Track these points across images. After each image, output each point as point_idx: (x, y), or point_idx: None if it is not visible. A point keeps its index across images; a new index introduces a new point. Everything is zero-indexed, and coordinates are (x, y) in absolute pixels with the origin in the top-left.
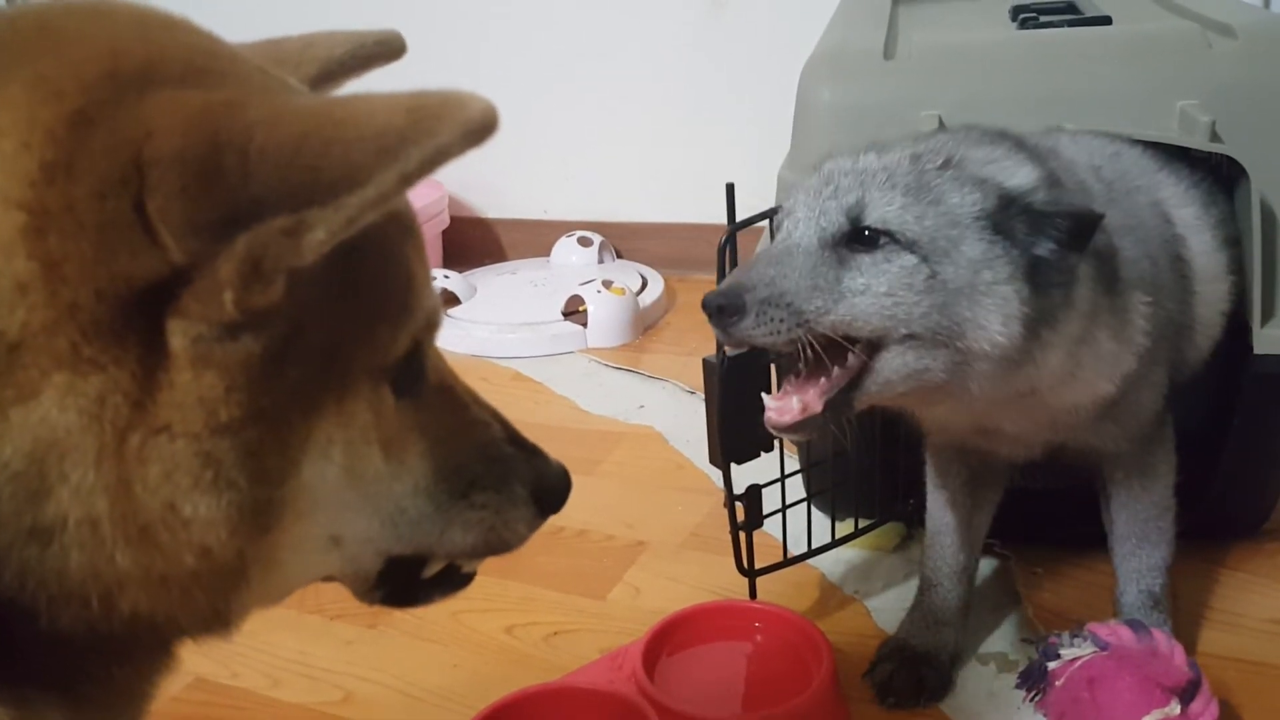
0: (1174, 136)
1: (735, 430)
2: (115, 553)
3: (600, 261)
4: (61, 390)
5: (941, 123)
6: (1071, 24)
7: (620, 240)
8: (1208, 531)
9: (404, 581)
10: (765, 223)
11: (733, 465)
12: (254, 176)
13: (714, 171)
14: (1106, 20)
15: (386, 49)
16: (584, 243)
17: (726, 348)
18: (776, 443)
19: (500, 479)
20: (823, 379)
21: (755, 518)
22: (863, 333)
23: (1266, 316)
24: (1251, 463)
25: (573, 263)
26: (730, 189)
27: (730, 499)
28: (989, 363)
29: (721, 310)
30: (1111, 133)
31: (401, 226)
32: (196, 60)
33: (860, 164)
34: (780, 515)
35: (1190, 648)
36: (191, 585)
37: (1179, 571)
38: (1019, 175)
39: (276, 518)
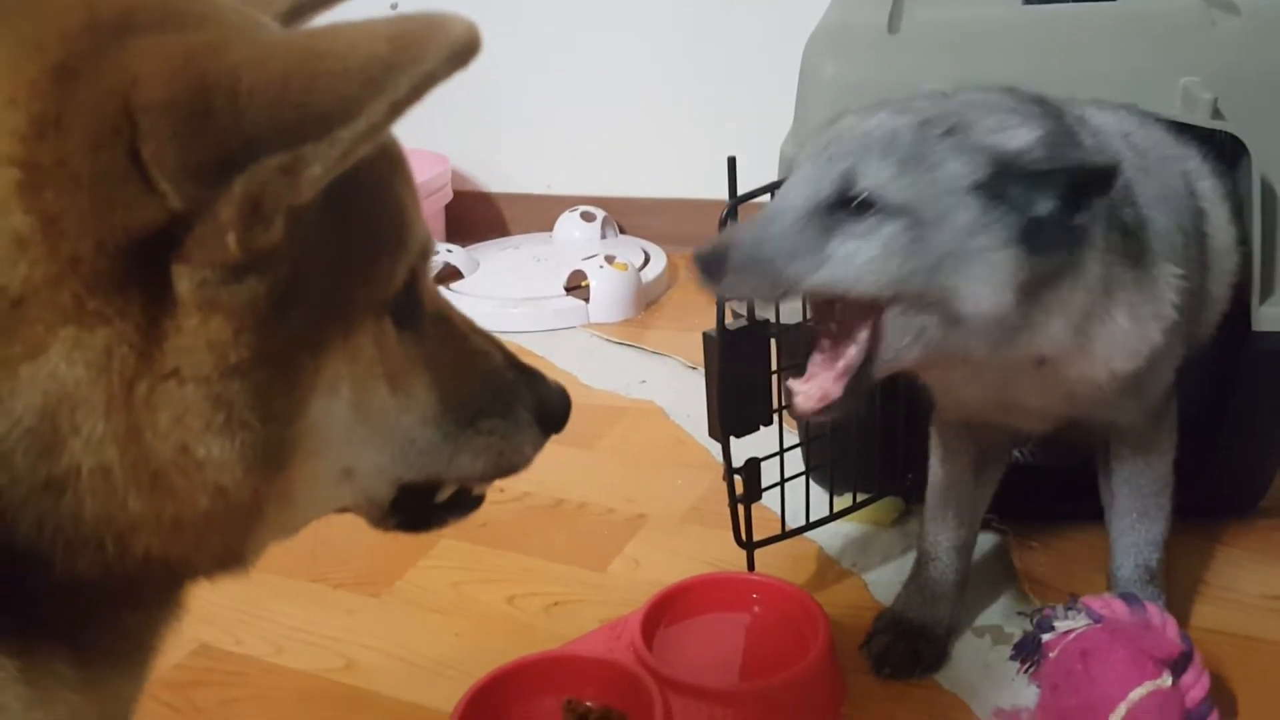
0: (1176, 113)
1: (734, 404)
2: (128, 498)
3: (603, 237)
4: (68, 344)
5: None
6: None
7: (623, 215)
8: (1204, 509)
9: (417, 507)
10: (767, 198)
11: (732, 439)
12: (245, 117)
13: (717, 147)
14: None
15: None
16: (587, 218)
17: (727, 321)
18: (776, 416)
19: (506, 406)
20: (839, 363)
21: (754, 491)
22: (849, 296)
23: (1266, 294)
24: (1249, 441)
25: (575, 238)
26: (731, 163)
27: (729, 472)
28: (982, 323)
29: (707, 264)
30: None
31: (390, 159)
32: (172, 3)
33: (867, 126)
34: (779, 489)
35: (1183, 622)
36: (206, 526)
37: (1173, 547)
38: (1020, 137)
39: (290, 454)
